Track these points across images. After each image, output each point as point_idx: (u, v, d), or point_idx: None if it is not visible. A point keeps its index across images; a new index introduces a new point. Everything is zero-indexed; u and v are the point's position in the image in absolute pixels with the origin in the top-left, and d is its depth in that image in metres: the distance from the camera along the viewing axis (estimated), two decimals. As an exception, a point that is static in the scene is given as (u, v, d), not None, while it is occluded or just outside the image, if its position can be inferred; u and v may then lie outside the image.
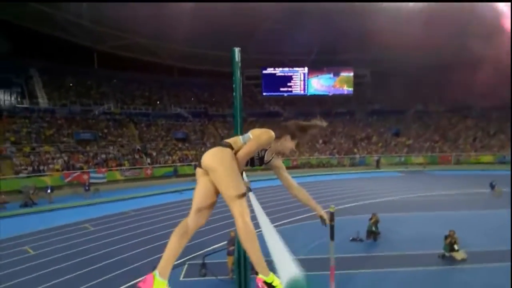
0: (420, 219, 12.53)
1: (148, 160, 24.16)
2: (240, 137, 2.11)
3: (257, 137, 2.03)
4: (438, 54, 34.53)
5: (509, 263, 7.24)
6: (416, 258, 8.65)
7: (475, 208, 14.02)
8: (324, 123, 2.34)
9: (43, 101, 26.22)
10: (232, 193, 1.82)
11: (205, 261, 8.01)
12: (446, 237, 8.68)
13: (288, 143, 2.19)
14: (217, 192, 2.02)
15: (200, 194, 2.01)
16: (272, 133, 2.09)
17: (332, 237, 3.13)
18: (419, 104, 37.55)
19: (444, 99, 37.64)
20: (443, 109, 36.40)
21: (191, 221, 2.02)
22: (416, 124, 35.16)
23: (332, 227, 2.97)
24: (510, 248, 8.09)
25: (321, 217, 2.45)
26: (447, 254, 8.57)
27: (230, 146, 2.03)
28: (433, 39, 30.71)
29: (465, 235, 9.25)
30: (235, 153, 2.03)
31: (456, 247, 8.50)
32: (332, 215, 2.82)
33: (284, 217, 12.92)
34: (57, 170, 19.94)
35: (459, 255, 8.42)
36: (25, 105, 25.03)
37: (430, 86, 38.47)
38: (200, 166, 2.01)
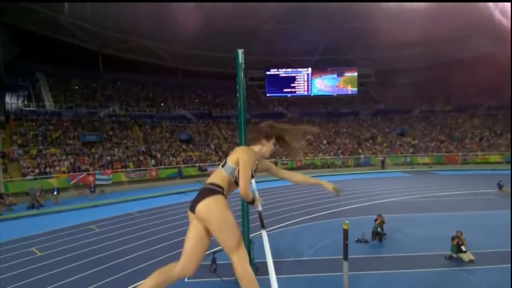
0: (427, 220, 12.39)
1: (153, 162, 24.29)
2: (222, 169, 2.12)
3: (243, 163, 2.04)
4: (443, 53, 34.25)
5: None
6: (423, 260, 8.55)
7: (483, 209, 13.83)
8: (313, 128, 2.39)
9: (49, 104, 26.56)
10: (229, 244, 1.88)
11: (215, 257, 8.04)
12: (453, 238, 8.56)
13: (266, 147, 2.21)
14: (209, 237, 2.05)
15: (192, 239, 2.03)
16: (250, 150, 2.12)
17: (345, 256, 3.08)
18: (425, 103, 37.24)
19: (450, 98, 37.33)
20: (449, 108, 36.05)
21: (179, 269, 2.01)
22: (422, 123, 34.85)
23: (346, 246, 2.93)
24: (510, 249, 8.00)
25: (329, 190, 2.44)
26: (454, 255, 8.46)
27: (221, 188, 2.05)
28: (438, 37, 30.45)
29: (473, 236, 9.11)
30: (228, 186, 2.08)
31: (463, 248, 8.38)
32: (346, 233, 2.78)
33: (291, 218, 12.89)
34: (63, 172, 20.16)
35: (466, 257, 8.30)
36: (32, 108, 25.38)
37: (435, 85, 38.15)
38: (192, 211, 2.02)
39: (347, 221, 3.20)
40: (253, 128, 2.27)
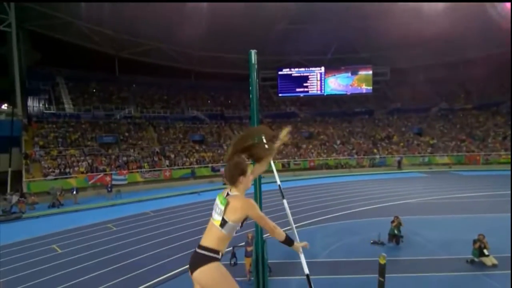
0: (446, 222, 11.95)
1: (167, 162, 24.69)
2: (222, 230, 2.05)
3: (258, 218, 2.08)
4: (462, 49, 33.01)
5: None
6: (442, 263, 8.25)
7: (506, 211, 13.18)
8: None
9: (68, 107, 27.52)
10: None
11: (234, 251, 8.33)
12: (475, 242, 8.22)
13: (244, 183, 2.15)
14: None
15: None
16: (248, 200, 2.07)
17: None
18: (443, 101, 35.99)
19: (471, 95, 35.91)
20: (470, 106, 34.67)
21: None
22: (440, 122, 33.70)
23: (381, 285, 2.80)
24: (510, 254, 7.63)
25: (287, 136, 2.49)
26: (476, 259, 8.11)
27: (217, 253, 2.03)
28: (456, 34, 29.37)
29: (496, 239, 8.70)
30: (226, 243, 2.09)
31: (486, 252, 8.03)
32: (382, 269, 2.65)
33: (306, 218, 12.76)
34: (82, 173, 20.82)
35: (489, 261, 7.94)
36: (52, 111, 26.38)
37: (454, 83, 36.83)
38: (191, 272, 2.04)
39: (384, 254, 2.88)
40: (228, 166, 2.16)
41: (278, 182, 2.83)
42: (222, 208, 2.05)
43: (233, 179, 2.11)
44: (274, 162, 2.66)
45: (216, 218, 2.07)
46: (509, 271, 7.56)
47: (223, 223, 2.04)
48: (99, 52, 30.62)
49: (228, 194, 2.14)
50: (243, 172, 2.11)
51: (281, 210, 13.48)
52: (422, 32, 27.24)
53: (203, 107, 33.98)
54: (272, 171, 2.63)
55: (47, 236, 11.75)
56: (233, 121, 33.13)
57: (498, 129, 30.81)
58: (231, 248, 8.57)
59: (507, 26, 23.99)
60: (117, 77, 33.10)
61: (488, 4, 25.94)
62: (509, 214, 12.71)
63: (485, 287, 7.11)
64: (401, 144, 31.05)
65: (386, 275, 7.69)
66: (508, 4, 24.12)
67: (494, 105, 33.47)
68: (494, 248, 8.21)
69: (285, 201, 2.52)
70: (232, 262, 8.25)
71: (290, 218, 2.44)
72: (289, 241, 2.18)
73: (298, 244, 2.25)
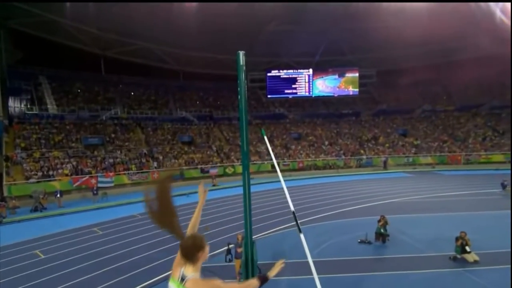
0: (430, 220, 12.32)
1: (155, 164, 24.33)
2: None
3: None
4: (445, 52, 34.17)
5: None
6: (427, 260, 8.50)
7: (487, 209, 13.73)
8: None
9: (52, 107, 26.70)
10: None
11: (230, 248, 8.47)
12: (457, 239, 8.51)
13: (204, 256, 2.03)
14: None
15: None
16: (215, 283, 1.97)
17: None
18: (427, 103, 37.13)
19: (452, 97, 37.21)
20: (452, 108, 35.94)
21: None
22: (424, 123, 34.73)
23: None
24: (510, 250, 7.95)
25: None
26: (458, 256, 8.40)
27: None
28: (440, 37, 30.37)
29: (477, 236, 9.05)
30: None
31: (468, 248, 8.32)
32: None
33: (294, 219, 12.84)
34: (66, 175, 20.22)
35: (471, 257, 8.24)
36: (34, 112, 25.52)
37: (437, 85, 38.08)
38: None
39: None
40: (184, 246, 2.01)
41: (292, 209, 2.62)
42: None
43: (192, 257, 1.96)
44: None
45: None
46: (491, 267, 7.89)
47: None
48: (84, 51, 29.92)
49: (183, 278, 1.93)
50: (201, 247, 1.99)
51: (280, 209, 13.55)
52: (407, 36, 28.00)
53: (191, 108, 33.70)
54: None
55: (30, 241, 11.35)
56: (222, 122, 33.02)
57: (478, 130, 32.04)
58: (226, 246, 8.76)
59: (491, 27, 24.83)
60: (103, 77, 32.41)
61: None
62: (487, 212, 13.25)
63: (467, 282, 7.37)
64: (387, 145, 31.78)
65: (372, 273, 7.87)
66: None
67: (474, 107, 34.79)
68: (475, 245, 8.53)
69: (302, 235, 2.40)
70: (228, 259, 8.41)
71: (308, 254, 2.33)
72: (264, 280, 2.08)
73: (273, 271, 2.20)
